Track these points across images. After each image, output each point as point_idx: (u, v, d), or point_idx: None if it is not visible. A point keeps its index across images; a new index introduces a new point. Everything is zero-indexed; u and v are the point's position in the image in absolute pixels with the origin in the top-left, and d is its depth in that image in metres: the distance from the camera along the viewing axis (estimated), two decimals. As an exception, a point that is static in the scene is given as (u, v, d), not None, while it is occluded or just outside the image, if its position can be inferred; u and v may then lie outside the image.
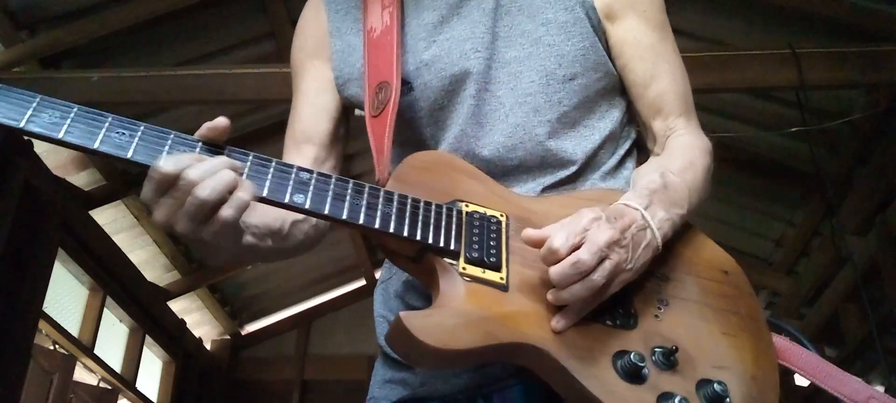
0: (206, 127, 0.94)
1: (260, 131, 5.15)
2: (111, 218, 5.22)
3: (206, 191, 0.86)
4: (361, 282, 7.35)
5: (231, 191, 0.88)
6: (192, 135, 0.94)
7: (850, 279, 4.65)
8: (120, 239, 5.32)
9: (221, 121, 0.94)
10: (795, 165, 4.76)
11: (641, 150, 1.29)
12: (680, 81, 1.24)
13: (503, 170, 1.16)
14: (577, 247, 0.94)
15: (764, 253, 5.71)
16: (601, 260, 0.94)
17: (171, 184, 0.87)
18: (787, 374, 1.09)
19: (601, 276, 0.94)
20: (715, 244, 1.16)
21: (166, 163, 0.87)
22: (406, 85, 1.20)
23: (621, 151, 1.24)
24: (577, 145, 1.18)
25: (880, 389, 5.20)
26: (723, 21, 4.21)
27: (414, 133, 1.23)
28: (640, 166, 1.23)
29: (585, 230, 0.95)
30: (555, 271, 0.94)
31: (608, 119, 1.22)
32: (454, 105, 1.18)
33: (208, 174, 0.88)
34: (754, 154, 4.85)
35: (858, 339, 4.75)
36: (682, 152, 1.18)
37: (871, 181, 4.37)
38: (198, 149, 0.92)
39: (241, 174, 0.92)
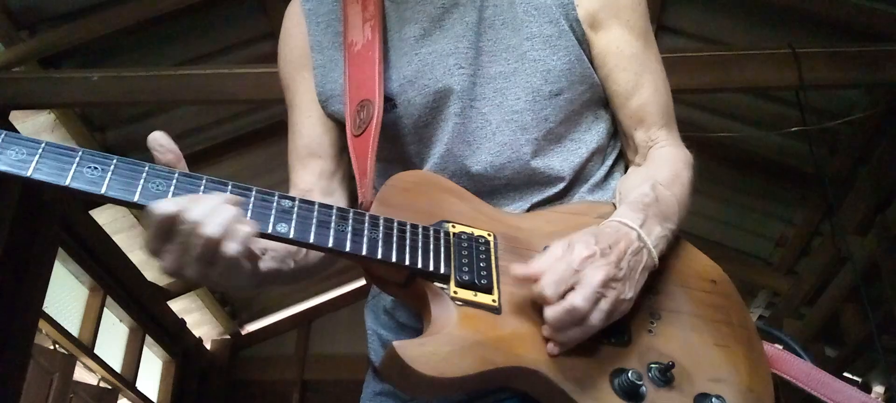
0: (164, 158, 0.90)
1: (260, 131, 5.14)
2: (111, 218, 5.22)
3: (211, 228, 0.84)
4: (361, 282, 7.34)
5: (234, 225, 0.86)
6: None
7: (850, 279, 4.65)
8: (120, 239, 5.32)
9: (160, 137, 0.91)
10: (795, 165, 4.76)
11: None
12: (662, 92, 1.22)
13: (491, 189, 1.14)
14: (570, 290, 0.91)
15: (764, 253, 5.71)
16: (597, 302, 0.92)
17: (173, 225, 0.85)
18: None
19: (598, 318, 0.92)
20: (701, 253, 1.14)
21: (166, 205, 0.84)
22: (389, 101, 1.17)
23: (609, 163, 1.22)
24: (564, 161, 1.16)
25: (880, 389, 5.21)
26: (723, 21, 4.21)
27: (399, 150, 1.20)
28: (623, 176, 1.21)
29: (577, 271, 0.92)
30: (549, 315, 0.91)
31: (594, 131, 1.20)
32: (438, 122, 1.15)
33: (210, 211, 0.85)
34: (754, 154, 4.85)
35: (858, 339, 4.75)
36: (668, 164, 1.16)
37: (871, 181, 4.37)
38: (174, 181, 0.88)
39: (242, 206, 0.89)
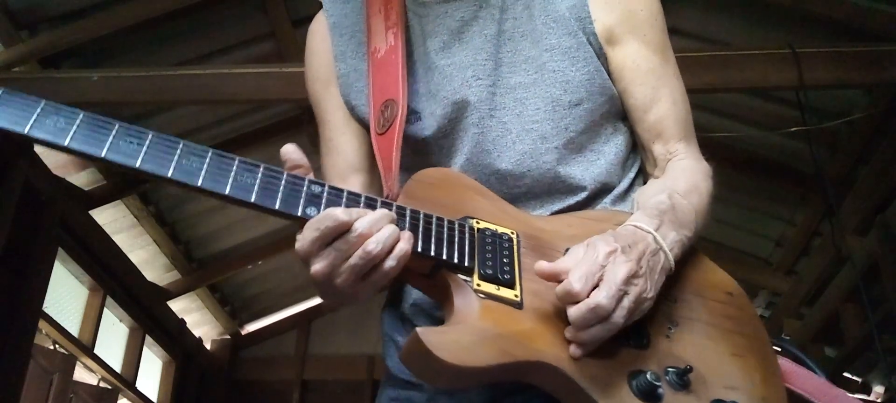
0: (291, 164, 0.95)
1: (260, 131, 5.14)
2: (111, 218, 5.22)
3: (377, 246, 0.88)
4: (361, 282, 7.34)
5: (395, 244, 0.90)
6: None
7: (850, 279, 4.65)
8: (120, 239, 5.32)
9: (292, 150, 0.95)
10: (795, 165, 4.76)
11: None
12: (680, 105, 1.23)
13: (511, 197, 1.15)
14: (594, 287, 0.93)
15: (764, 253, 5.71)
16: (620, 299, 0.93)
17: (340, 234, 0.88)
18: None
19: (620, 316, 0.93)
20: (717, 266, 1.16)
21: (342, 213, 0.88)
22: (414, 114, 1.19)
23: (630, 175, 1.23)
24: (585, 171, 1.18)
25: (880, 389, 5.20)
26: (723, 21, 4.21)
27: (422, 160, 1.21)
28: (642, 187, 1.23)
29: (602, 267, 0.93)
30: (573, 314, 0.92)
31: (614, 143, 1.21)
32: (458, 132, 1.18)
33: (376, 226, 0.89)
34: (754, 154, 4.85)
35: (858, 339, 4.75)
36: (686, 176, 1.17)
37: (871, 181, 4.37)
38: (208, 159, 0.90)
39: (397, 224, 0.92)
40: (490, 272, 0.98)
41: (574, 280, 0.92)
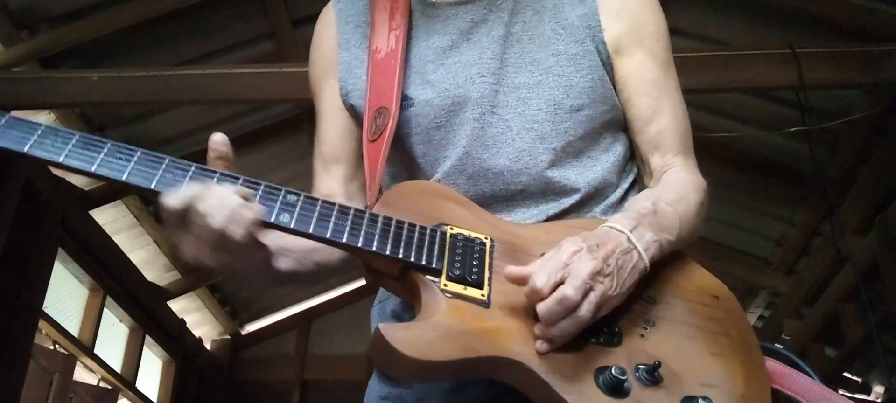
0: (213, 163, 0.98)
1: (260, 131, 5.14)
2: (111, 218, 5.22)
3: (217, 217, 0.90)
4: (361, 282, 7.34)
5: (238, 212, 0.91)
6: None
7: (850, 279, 4.65)
8: (120, 239, 5.32)
9: (220, 140, 0.99)
10: (795, 165, 4.76)
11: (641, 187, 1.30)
12: (681, 120, 1.25)
13: (507, 195, 1.16)
14: (560, 283, 0.94)
15: (764, 253, 5.71)
16: (586, 293, 0.94)
17: (182, 217, 0.91)
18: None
19: (588, 310, 0.94)
20: (707, 272, 1.16)
21: (175, 198, 0.91)
22: (408, 100, 1.20)
23: (624, 186, 1.24)
24: (579, 174, 1.18)
25: (880, 389, 5.20)
26: (723, 21, 4.21)
27: (407, 152, 1.22)
28: (634, 197, 1.23)
29: (566, 265, 0.95)
30: (542, 309, 0.94)
31: (612, 152, 1.23)
32: (453, 126, 1.19)
33: (218, 201, 0.91)
34: (754, 154, 4.85)
35: (858, 339, 4.75)
36: (676, 186, 1.18)
37: (871, 181, 4.37)
38: (190, 172, 0.95)
39: (250, 199, 0.94)
40: (458, 273, 0.99)
41: (538, 278, 0.94)
